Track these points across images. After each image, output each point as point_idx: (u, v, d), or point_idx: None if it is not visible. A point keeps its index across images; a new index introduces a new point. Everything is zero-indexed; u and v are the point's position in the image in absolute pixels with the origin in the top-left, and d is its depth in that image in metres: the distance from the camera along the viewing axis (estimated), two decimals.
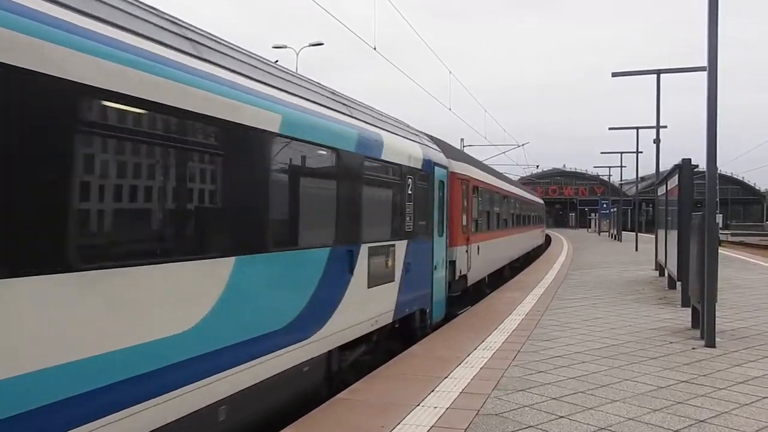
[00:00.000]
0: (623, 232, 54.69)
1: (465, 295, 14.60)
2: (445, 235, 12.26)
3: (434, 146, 12.43)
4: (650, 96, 27.63)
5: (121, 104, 4.11)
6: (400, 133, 9.99)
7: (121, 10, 4.48)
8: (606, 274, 20.92)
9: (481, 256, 16.12)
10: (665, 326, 10.83)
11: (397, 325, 9.68)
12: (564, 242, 44.14)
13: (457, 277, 13.36)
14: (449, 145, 15.99)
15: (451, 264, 13.05)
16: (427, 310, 11.00)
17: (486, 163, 32.53)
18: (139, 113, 4.30)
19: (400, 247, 9.38)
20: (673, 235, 14.57)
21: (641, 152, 53.21)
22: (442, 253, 11.99)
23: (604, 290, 16.15)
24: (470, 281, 14.63)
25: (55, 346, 3.59)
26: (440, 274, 11.88)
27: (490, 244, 17.73)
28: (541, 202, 44.31)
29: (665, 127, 29.11)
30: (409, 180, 9.78)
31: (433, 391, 6.74)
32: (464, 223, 14.04)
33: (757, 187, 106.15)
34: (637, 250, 34.03)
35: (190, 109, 4.73)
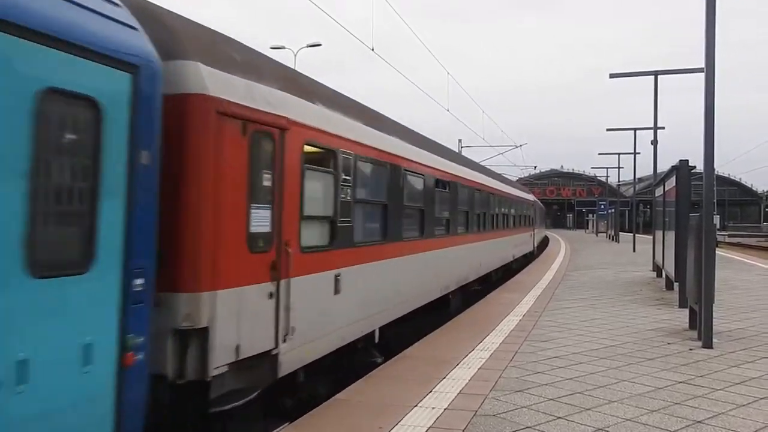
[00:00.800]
0: (621, 233, 54.84)
1: (294, 388, 6.82)
2: (118, 263, 4.07)
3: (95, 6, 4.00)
4: (648, 97, 27.61)
5: None
6: None
7: None
8: (604, 275, 20.94)
9: (351, 296, 7.92)
10: (663, 327, 10.85)
11: None
12: (562, 243, 44.18)
13: (232, 362, 5.38)
14: (208, 29, 6.04)
15: (199, 336, 5.04)
16: None
17: (484, 164, 30.92)
18: None
19: None
20: (671, 236, 14.61)
21: (639, 153, 53.60)
22: (91, 324, 3.87)
23: (601, 291, 16.16)
24: (300, 361, 6.58)
25: None
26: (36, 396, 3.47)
27: (382, 267, 9.14)
28: (531, 198, 35.44)
29: (663, 128, 29.16)
30: None
31: (431, 391, 6.75)
32: (267, 228, 5.92)
33: (754, 189, 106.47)
34: (634, 251, 34.07)
35: None
